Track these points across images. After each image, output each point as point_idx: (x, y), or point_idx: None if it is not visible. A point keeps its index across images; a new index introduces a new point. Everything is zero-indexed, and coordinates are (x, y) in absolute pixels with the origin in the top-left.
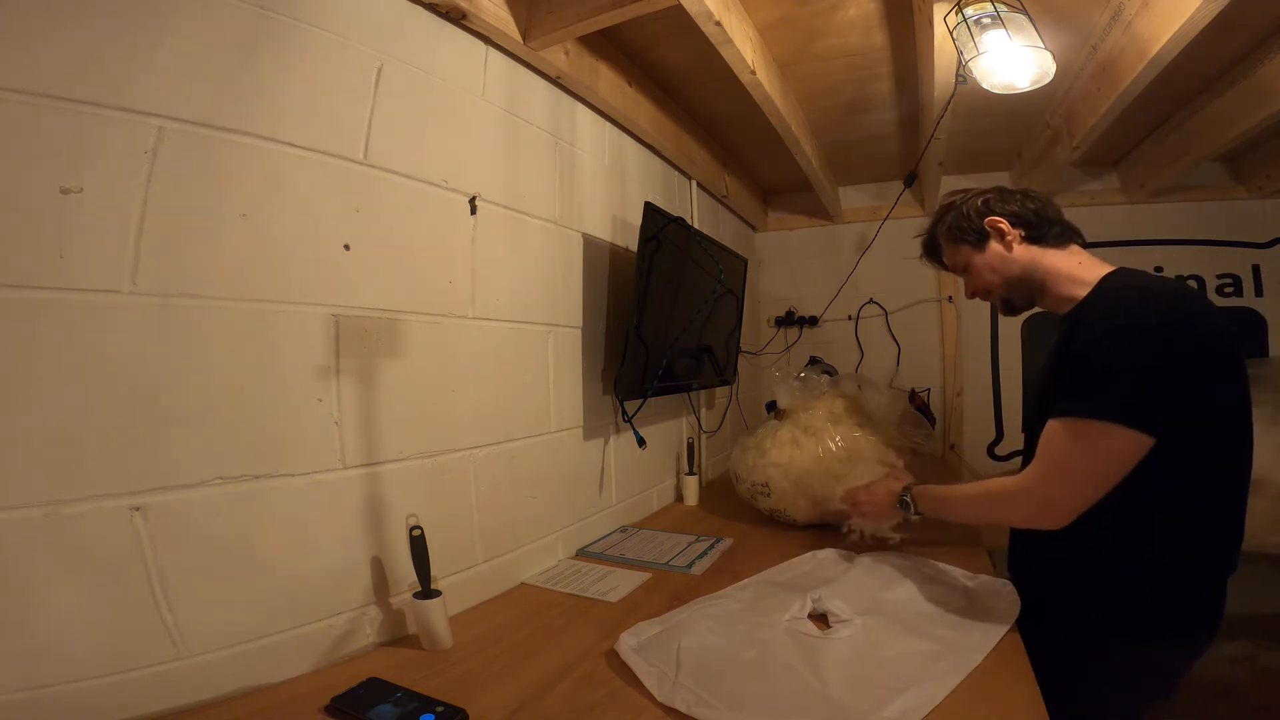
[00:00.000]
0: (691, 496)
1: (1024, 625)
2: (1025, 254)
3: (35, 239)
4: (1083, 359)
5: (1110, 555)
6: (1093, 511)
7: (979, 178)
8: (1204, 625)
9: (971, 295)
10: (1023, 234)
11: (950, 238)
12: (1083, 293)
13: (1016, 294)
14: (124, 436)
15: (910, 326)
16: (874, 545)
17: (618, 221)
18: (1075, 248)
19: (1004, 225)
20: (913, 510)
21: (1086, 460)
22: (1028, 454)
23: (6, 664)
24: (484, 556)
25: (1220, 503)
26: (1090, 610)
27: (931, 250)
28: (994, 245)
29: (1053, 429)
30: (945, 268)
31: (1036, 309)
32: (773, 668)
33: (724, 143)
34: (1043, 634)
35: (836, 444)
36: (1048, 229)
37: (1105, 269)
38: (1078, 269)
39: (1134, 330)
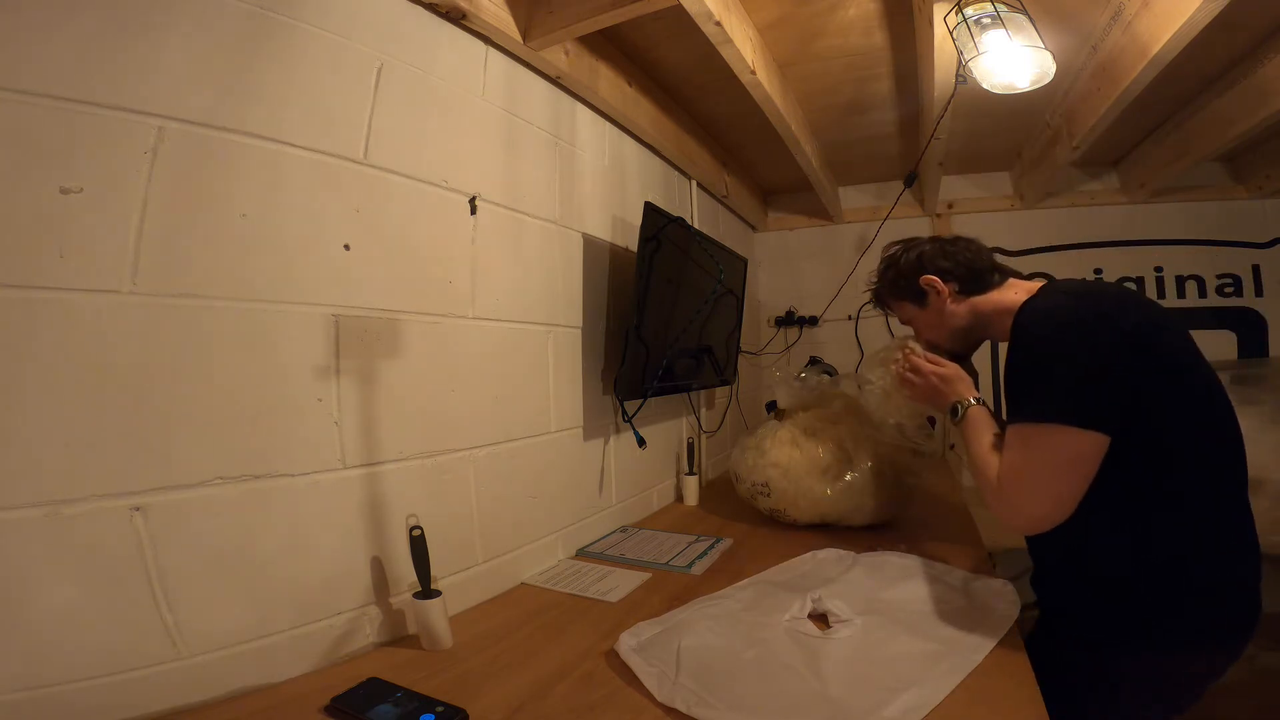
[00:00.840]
0: (691, 496)
1: (1041, 634)
2: (964, 307)
3: (35, 239)
4: (1015, 367)
5: (1107, 560)
6: (1091, 516)
7: (979, 178)
8: (1214, 632)
9: (925, 346)
10: (956, 288)
11: (892, 294)
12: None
13: (960, 344)
14: (124, 436)
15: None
16: (874, 544)
17: (618, 221)
18: (1011, 281)
19: (938, 284)
20: (956, 420)
21: (1039, 463)
22: None
23: (6, 664)
24: (484, 556)
25: (1204, 503)
26: (1096, 617)
27: (882, 302)
28: (933, 302)
29: (1008, 436)
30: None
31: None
32: (773, 668)
33: (724, 143)
34: (1057, 643)
35: (836, 444)
36: (981, 280)
37: (1040, 285)
38: (1015, 297)
39: (1057, 330)
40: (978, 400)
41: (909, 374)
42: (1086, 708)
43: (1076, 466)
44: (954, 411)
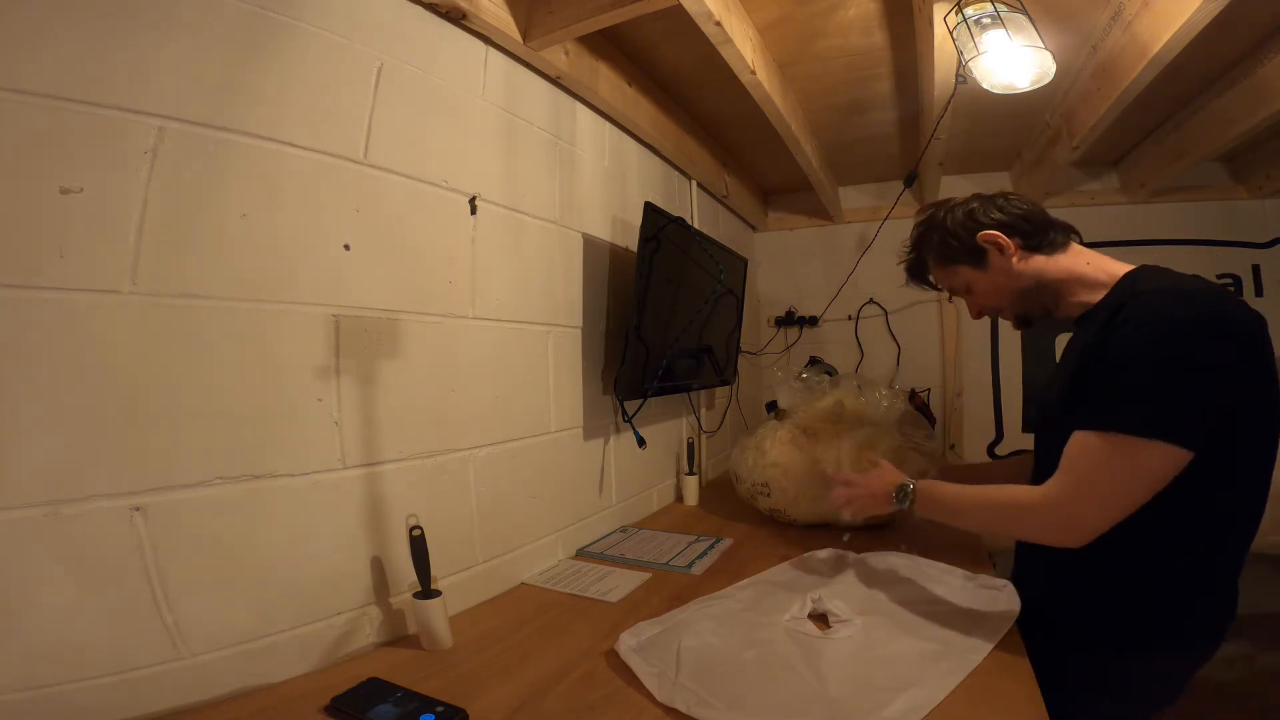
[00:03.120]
0: (691, 496)
1: (1032, 637)
2: (1030, 265)
3: (35, 239)
4: (1118, 367)
5: (1116, 562)
6: None
7: (979, 178)
8: (1213, 628)
9: (978, 315)
10: (1020, 243)
11: (943, 259)
12: (1098, 295)
13: (1029, 307)
14: (124, 436)
15: (910, 326)
16: (874, 544)
17: (618, 221)
18: (1077, 247)
19: (1001, 239)
20: (909, 505)
21: (1120, 478)
22: (1039, 457)
23: (6, 664)
24: (484, 556)
25: (1237, 506)
26: (1095, 619)
27: (918, 273)
28: (995, 261)
29: (1082, 442)
30: (934, 288)
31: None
32: (773, 668)
33: (724, 143)
34: (1050, 646)
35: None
36: (1045, 234)
37: (1120, 267)
38: (1087, 269)
39: (1173, 337)
40: (912, 480)
41: (848, 490)
42: (1070, 708)
43: (1152, 482)
44: (901, 496)
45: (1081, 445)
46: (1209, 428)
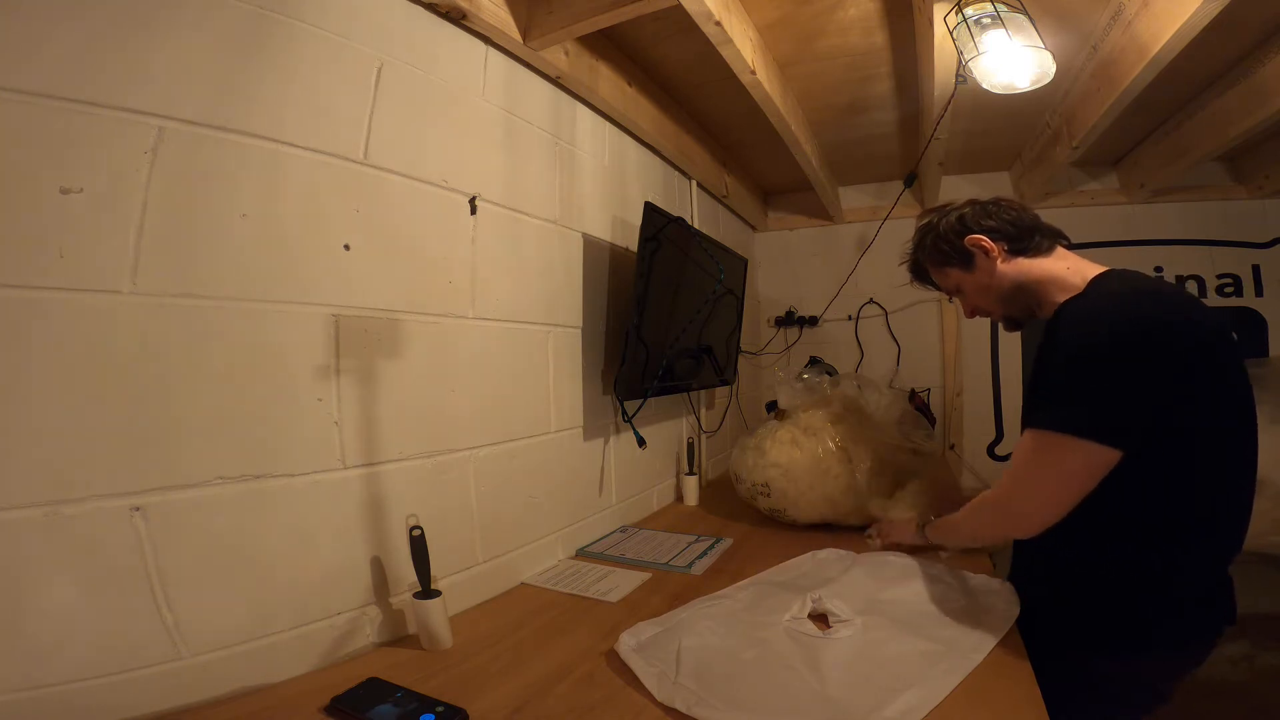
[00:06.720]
0: (691, 496)
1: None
2: (1013, 268)
3: (35, 239)
4: (1052, 367)
5: (1097, 563)
6: (1079, 520)
7: (979, 178)
8: (1201, 631)
9: (971, 315)
10: (1006, 248)
11: (935, 261)
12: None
13: (1013, 309)
14: (124, 436)
15: (910, 326)
16: (878, 547)
17: (618, 221)
18: (1061, 251)
19: (985, 243)
20: (928, 534)
21: (1049, 475)
22: None
23: (6, 664)
24: (484, 556)
25: (1206, 507)
26: (1079, 622)
27: (919, 274)
28: (981, 264)
29: (1023, 440)
30: (937, 288)
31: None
32: (773, 668)
33: (724, 143)
34: (1038, 648)
35: (836, 444)
36: (1029, 239)
37: (1095, 270)
38: (1066, 273)
39: (1103, 338)
40: (923, 524)
41: (886, 529)
42: (1061, 710)
43: (1081, 479)
44: (922, 531)
45: (1021, 443)
46: (1137, 428)
